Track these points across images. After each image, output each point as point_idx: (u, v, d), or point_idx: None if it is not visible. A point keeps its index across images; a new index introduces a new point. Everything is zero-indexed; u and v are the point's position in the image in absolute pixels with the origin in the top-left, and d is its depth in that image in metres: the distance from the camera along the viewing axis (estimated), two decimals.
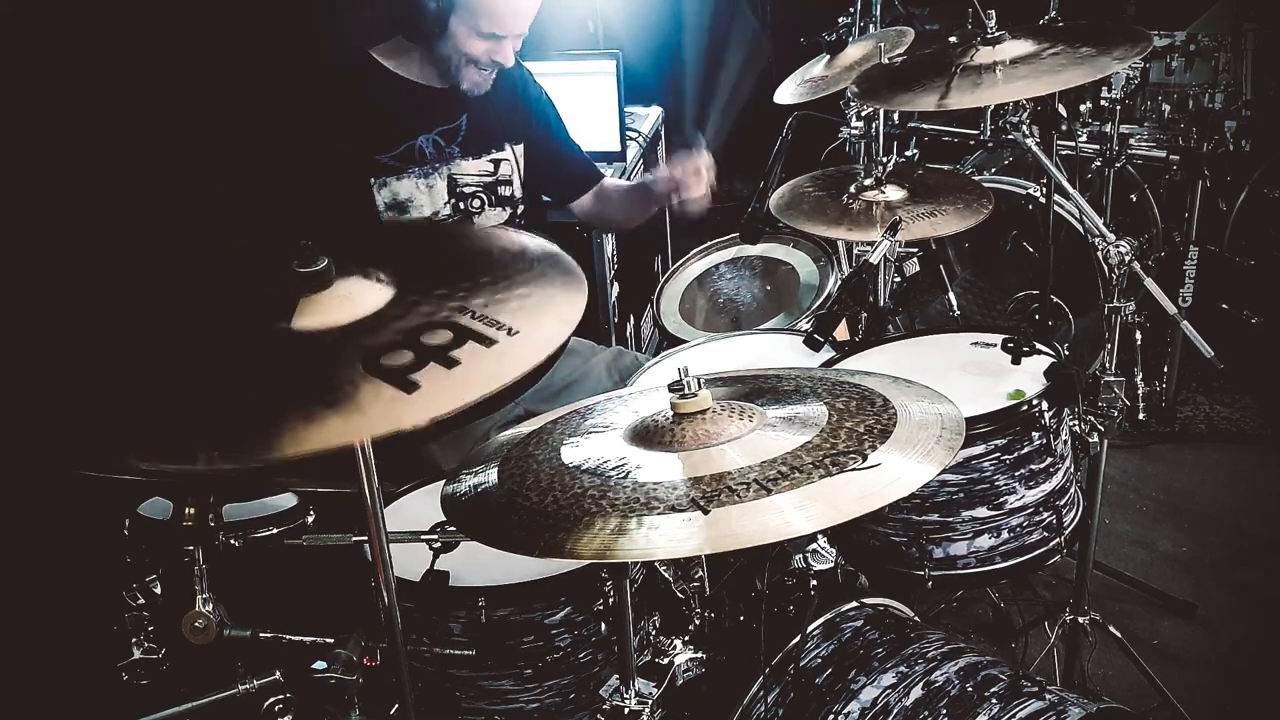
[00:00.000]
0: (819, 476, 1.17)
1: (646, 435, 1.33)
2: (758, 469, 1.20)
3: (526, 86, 2.47)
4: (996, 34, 2.10)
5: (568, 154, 2.58)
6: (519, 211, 2.42)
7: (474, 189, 2.30)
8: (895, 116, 3.43)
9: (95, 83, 2.24)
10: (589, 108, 3.36)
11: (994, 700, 1.53)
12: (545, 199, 2.68)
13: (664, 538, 1.12)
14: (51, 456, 1.74)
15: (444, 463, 2.15)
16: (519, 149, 2.42)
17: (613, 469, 1.27)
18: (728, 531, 1.12)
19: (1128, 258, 1.88)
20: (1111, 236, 1.91)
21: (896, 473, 1.19)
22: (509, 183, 2.37)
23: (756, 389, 1.46)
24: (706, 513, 1.13)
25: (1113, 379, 1.93)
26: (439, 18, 2.12)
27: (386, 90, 2.22)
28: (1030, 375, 1.96)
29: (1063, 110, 2.30)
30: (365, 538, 1.38)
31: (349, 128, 2.16)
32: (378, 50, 2.24)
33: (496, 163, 2.35)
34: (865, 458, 1.21)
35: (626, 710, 1.44)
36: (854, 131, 2.98)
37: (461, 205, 2.27)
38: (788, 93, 2.95)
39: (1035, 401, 1.87)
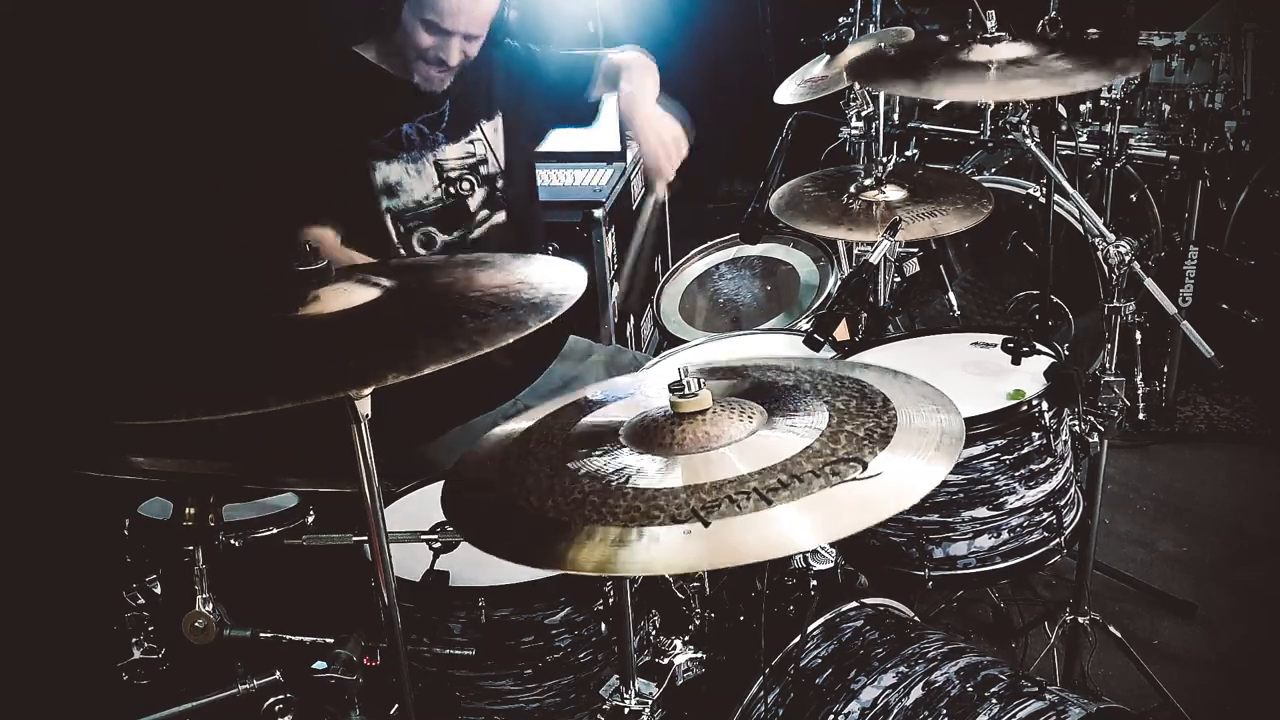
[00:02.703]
0: (819, 487, 1.17)
1: (646, 436, 1.33)
2: (757, 477, 1.20)
3: (491, 58, 2.41)
4: (996, 35, 2.09)
5: (556, 67, 2.52)
6: (498, 186, 2.41)
7: (460, 171, 2.32)
8: (895, 116, 3.43)
9: (94, 86, 2.25)
10: None
11: (994, 700, 1.53)
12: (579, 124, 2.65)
13: (665, 550, 1.12)
14: (51, 456, 1.74)
15: (444, 463, 2.15)
16: (495, 122, 2.41)
17: (613, 473, 1.26)
18: (728, 545, 1.11)
19: (1128, 258, 1.88)
20: (1111, 236, 1.91)
21: (897, 481, 1.18)
22: (485, 161, 2.38)
23: (756, 385, 1.46)
24: (707, 524, 1.13)
25: (1113, 379, 1.93)
26: (392, 6, 2.13)
27: (370, 82, 2.26)
28: (1030, 375, 1.96)
29: (1063, 110, 2.30)
30: (365, 538, 1.38)
31: (339, 117, 2.20)
32: (361, 46, 2.27)
33: (474, 143, 2.37)
34: (865, 466, 1.20)
35: (626, 710, 1.44)
36: (854, 131, 2.98)
37: (452, 189, 2.30)
38: (788, 93, 2.95)
39: (1035, 401, 1.87)
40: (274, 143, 2.21)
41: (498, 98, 2.44)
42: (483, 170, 2.37)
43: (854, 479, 1.18)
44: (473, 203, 2.34)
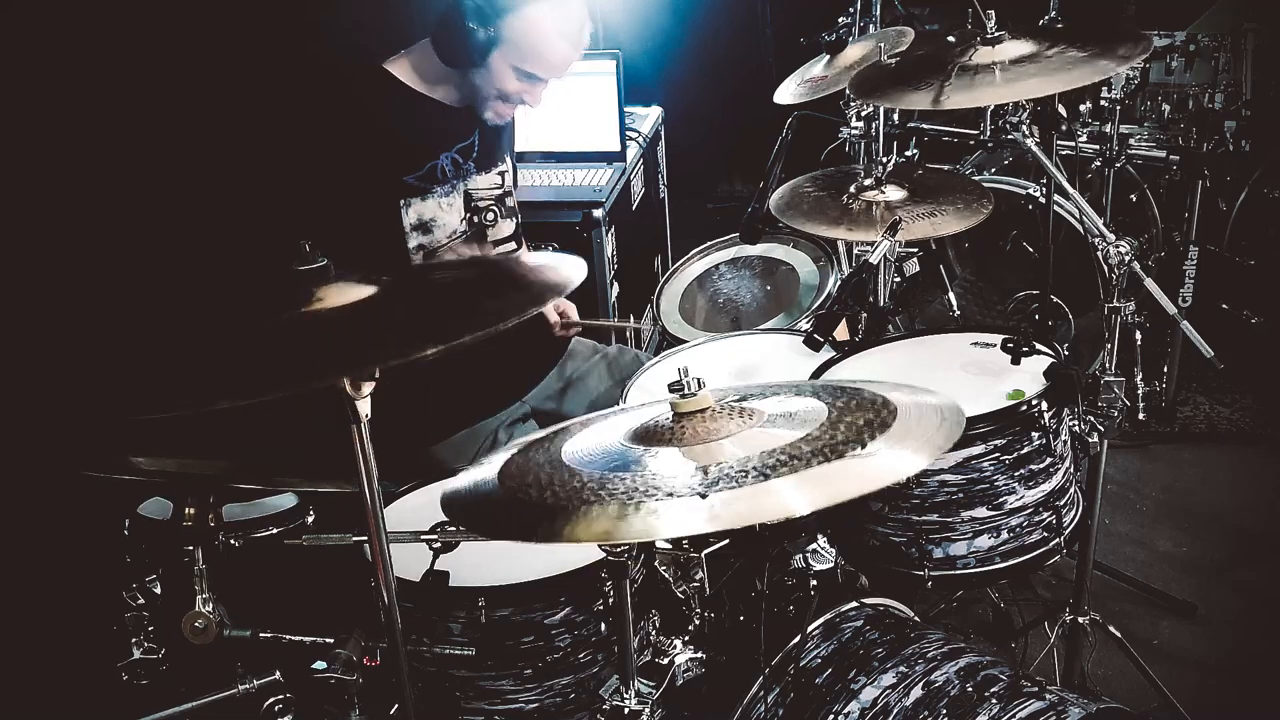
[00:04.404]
0: (818, 463, 1.18)
1: (647, 435, 1.33)
2: (757, 459, 1.21)
3: None
4: (996, 34, 2.10)
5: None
6: (519, 221, 2.42)
7: (488, 203, 2.29)
8: (895, 116, 3.43)
9: (112, 95, 2.25)
10: (589, 108, 3.36)
11: (994, 700, 1.53)
12: None
13: (662, 521, 1.13)
14: (51, 456, 1.74)
15: (447, 463, 2.15)
16: (510, 159, 2.42)
17: (613, 462, 1.27)
18: (726, 511, 1.12)
19: (1128, 258, 1.88)
20: (1111, 236, 1.91)
21: (896, 457, 1.19)
22: (511, 194, 2.37)
23: (758, 395, 1.46)
24: (704, 497, 1.13)
25: (1113, 379, 1.92)
26: (483, 49, 2.10)
27: (408, 110, 2.20)
28: (1030, 375, 1.96)
29: (1063, 110, 2.30)
30: (365, 538, 1.38)
31: (376, 150, 2.14)
32: (391, 64, 2.20)
33: (503, 175, 2.35)
34: (864, 445, 1.21)
35: (626, 710, 1.44)
36: (854, 131, 2.98)
37: (476, 219, 2.26)
38: (788, 93, 2.95)
39: (1035, 401, 1.87)
40: (305, 177, 2.11)
41: (510, 137, 2.44)
42: (508, 203, 2.36)
43: (853, 455, 1.18)
44: (493, 234, 2.32)
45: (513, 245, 2.39)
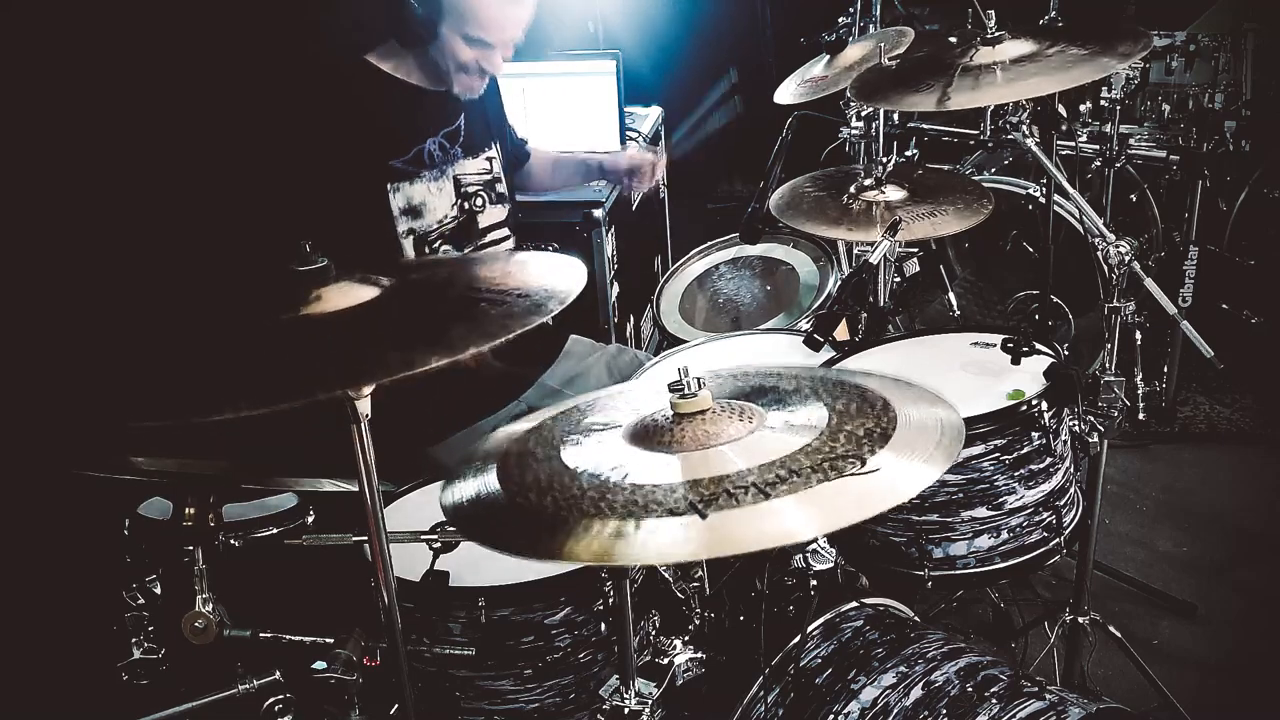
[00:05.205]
0: (817, 481, 1.17)
1: (646, 435, 1.33)
2: (756, 472, 1.20)
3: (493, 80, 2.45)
4: (996, 34, 2.10)
5: (509, 138, 2.59)
6: (512, 209, 2.43)
7: (476, 188, 2.30)
8: (895, 116, 3.44)
9: (109, 94, 2.26)
10: (589, 108, 3.36)
11: (994, 700, 1.53)
12: None
13: (661, 541, 1.12)
14: (51, 456, 1.74)
15: (446, 463, 2.15)
16: (498, 145, 2.43)
17: (611, 469, 1.26)
18: (725, 536, 1.11)
19: (1128, 258, 1.88)
20: (1111, 236, 1.91)
21: (895, 477, 1.18)
22: (500, 180, 2.37)
23: (758, 388, 1.46)
24: (704, 517, 1.13)
25: (1113, 379, 1.92)
26: (429, 23, 2.12)
27: (390, 96, 2.22)
28: (1030, 375, 1.96)
29: (1063, 110, 2.30)
30: (365, 538, 1.38)
31: (361, 136, 2.15)
32: (374, 55, 2.23)
33: (490, 160, 2.36)
34: (864, 462, 1.20)
35: (626, 710, 1.44)
36: (854, 131, 2.98)
37: (466, 205, 2.28)
38: (788, 93, 2.95)
39: (1035, 401, 1.87)
40: (290, 163, 2.14)
41: (497, 121, 2.45)
42: (498, 188, 2.36)
43: (853, 474, 1.18)
44: (483, 219, 2.33)
45: (505, 232, 2.40)
